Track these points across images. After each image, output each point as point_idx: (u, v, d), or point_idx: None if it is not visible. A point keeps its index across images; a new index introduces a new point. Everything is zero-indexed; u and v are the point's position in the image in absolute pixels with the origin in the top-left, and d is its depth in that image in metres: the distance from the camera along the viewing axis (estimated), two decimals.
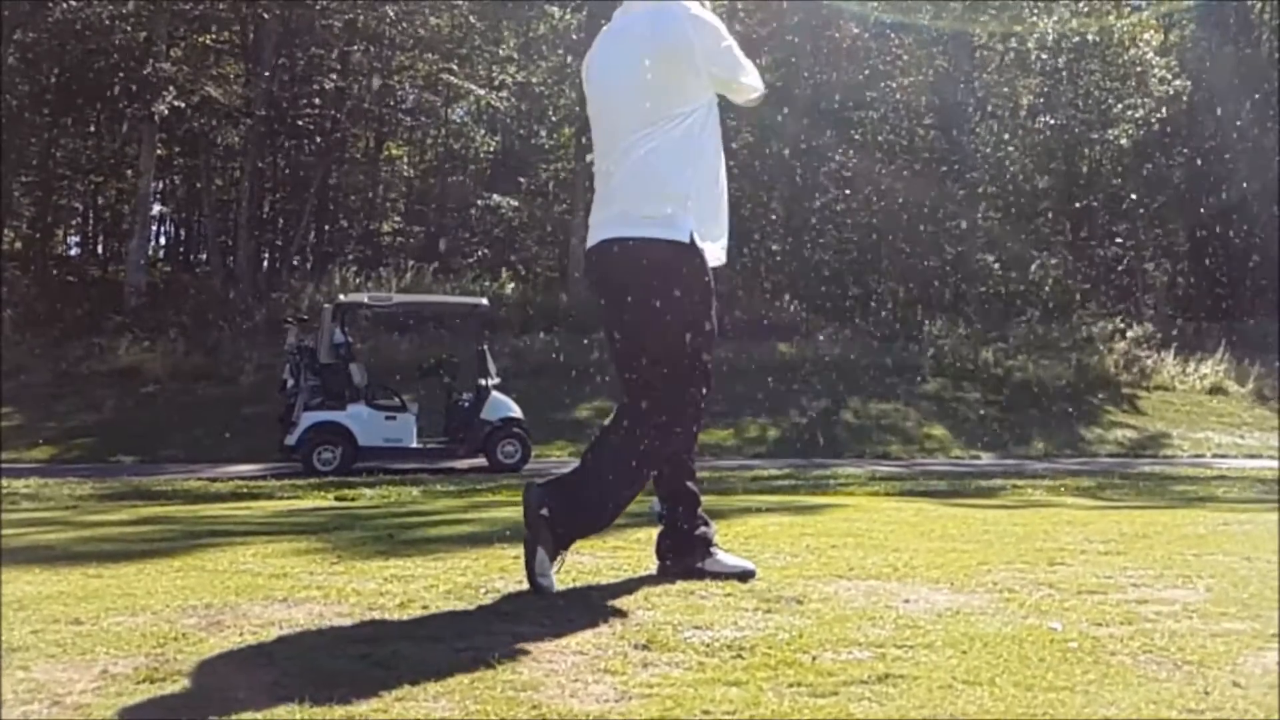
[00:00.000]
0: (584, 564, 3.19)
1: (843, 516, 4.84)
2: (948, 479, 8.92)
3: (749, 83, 2.80)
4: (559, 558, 2.71)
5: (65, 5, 18.09)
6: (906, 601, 2.60)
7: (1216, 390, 20.07)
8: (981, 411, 17.75)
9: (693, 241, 2.65)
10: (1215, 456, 16.05)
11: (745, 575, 2.88)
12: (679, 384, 2.69)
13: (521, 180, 24.24)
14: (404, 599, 2.64)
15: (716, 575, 2.85)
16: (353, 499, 7.11)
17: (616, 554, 3.40)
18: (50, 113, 23.79)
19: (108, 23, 18.76)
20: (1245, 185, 24.63)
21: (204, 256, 26.34)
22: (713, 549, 2.94)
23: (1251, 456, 16.18)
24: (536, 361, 17.06)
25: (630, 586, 2.79)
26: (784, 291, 22.99)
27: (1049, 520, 4.79)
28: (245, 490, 8.00)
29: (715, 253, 2.77)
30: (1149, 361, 20.60)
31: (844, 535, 3.97)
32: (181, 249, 30.20)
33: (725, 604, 2.54)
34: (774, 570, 3.06)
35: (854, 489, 7.03)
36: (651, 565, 3.04)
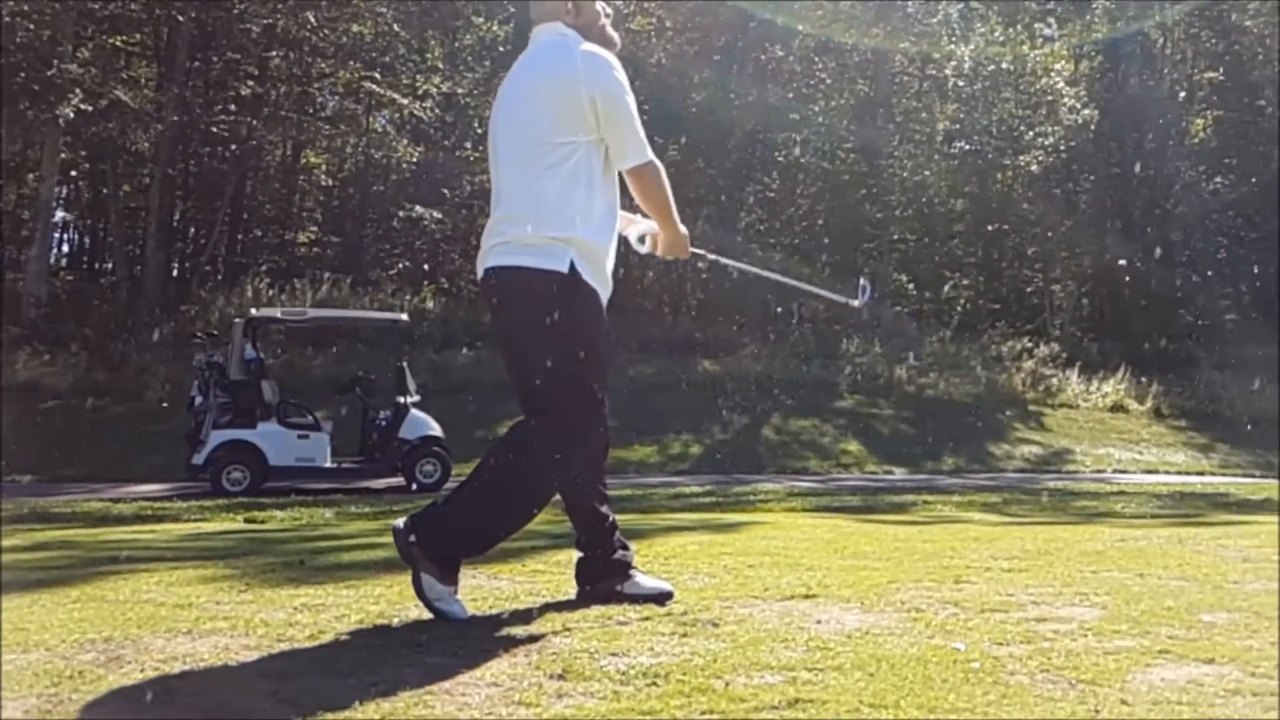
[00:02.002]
0: (502, 589, 3.18)
1: (760, 534, 4.92)
2: (862, 494, 9.12)
3: (633, 147, 2.74)
4: (453, 583, 2.69)
5: None
6: (818, 622, 2.65)
7: (1117, 408, 20.93)
8: (895, 427, 18.22)
9: (573, 271, 2.66)
10: (1115, 472, 16.75)
11: (663, 597, 2.91)
12: (560, 412, 2.70)
13: (445, 192, 23.98)
14: (314, 630, 2.58)
15: (635, 599, 2.87)
16: (263, 521, 6.93)
17: (535, 578, 3.39)
18: None
19: (9, 20, 17.97)
20: (1147, 211, 25.87)
21: (110, 266, 25.38)
22: (632, 572, 2.97)
23: (1149, 472, 16.96)
24: (459, 378, 16.86)
25: (548, 612, 2.79)
26: (710, 310, 23.27)
27: (956, 537, 4.94)
28: (150, 512, 7.71)
29: (606, 281, 2.81)
30: (1054, 380, 21.40)
31: (761, 554, 4.04)
32: (86, 258, 29.04)
33: (642, 629, 2.56)
34: (691, 592, 3.09)
35: (773, 505, 7.13)
36: (571, 589, 3.04)
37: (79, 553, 4.75)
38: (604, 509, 2.97)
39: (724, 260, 3.63)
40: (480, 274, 2.80)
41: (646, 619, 2.67)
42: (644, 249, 3.13)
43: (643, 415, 16.61)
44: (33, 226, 21.34)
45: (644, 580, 2.98)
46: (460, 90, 24.77)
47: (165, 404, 14.72)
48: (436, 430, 11.73)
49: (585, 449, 2.77)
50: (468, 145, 22.85)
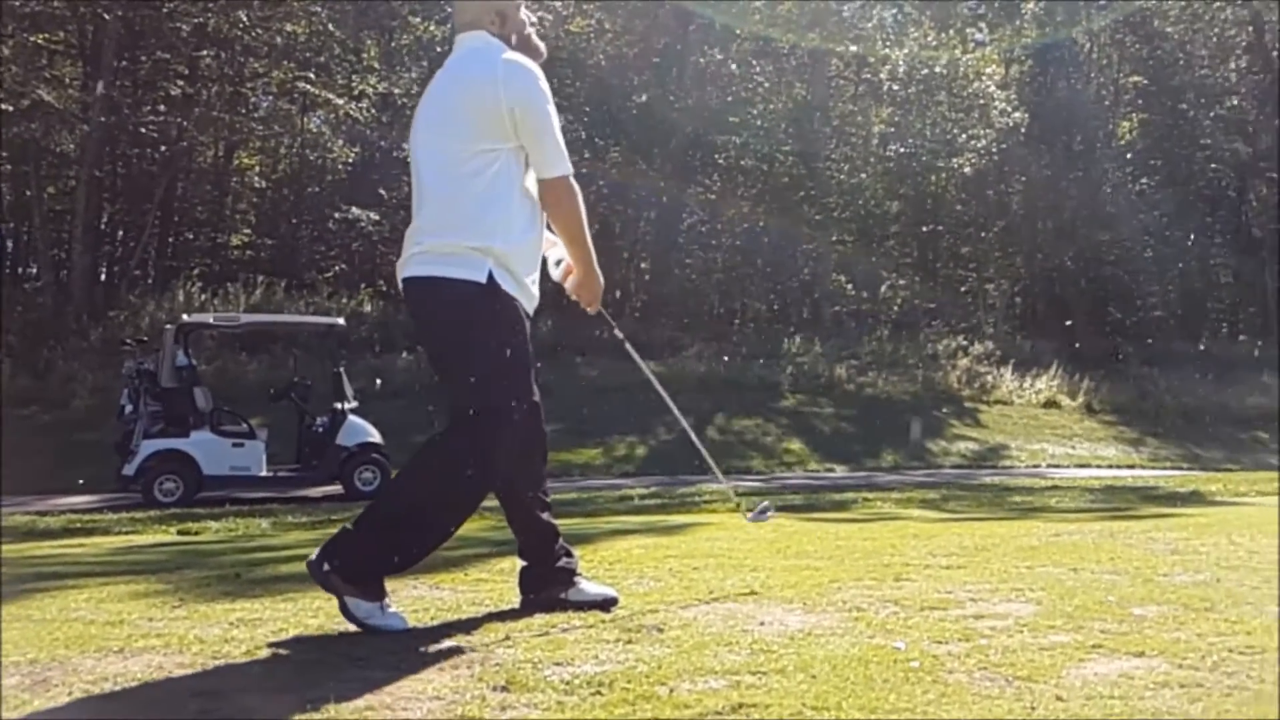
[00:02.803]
0: (444, 599, 3.14)
1: (705, 536, 4.94)
2: (804, 493, 9.22)
3: (550, 158, 2.70)
4: (379, 597, 2.65)
5: None
6: (761, 624, 2.67)
7: (1050, 404, 21.49)
8: (836, 426, 18.47)
9: (491, 281, 2.64)
10: (1050, 466, 17.18)
11: (608, 603, 2.91)
12: (472, 425, 2.66)
13: (382, 193, 23.65)
14: (251, 645, 2.52)
15: (580, 605, 2.86)
16: (197, 533, 6.77)
17: (478, 587, 3.36)
18: None
19: None
20: (1076, 211, 26.61)
21: (34, 270, 24.53)
22: (576, 578, 2.95)
23: (1082, 466, 17.44)
24: (398, 383, 16.63)
25: (491, 622, 2.76)
26: (654, 311, 23.31)
27: (896, 534, 5.02)
28: (79, 525, 7.48)
29: (528, 291, 2.77)
30: (989, 377, 21.90)
31: (705, 556, 4.06)
32: (8, 261, 28.03)
33: (587, 637, 2.55)
34: (636, 597, 3.09)
35: (717, 506, 7.16)
36: (515, 598, 3.01)
37: (5, 570, 4.58)
38: (545, 516, 2.95)
39: (635, 356, 3.63)
40: (400, 283, 2.77)
41: (590, 626, 2.66)
42: (556, 275, 3.04)
43: (587, 418, 16.60)
44: None
45: (588, 586, 2.97)
46: (397, 90, 24.47)
47: (91, 411, 14.31)
48: (375, 437, 11.56)
49: (499, 462, 2.70)
50: (405, 146, 22.44)
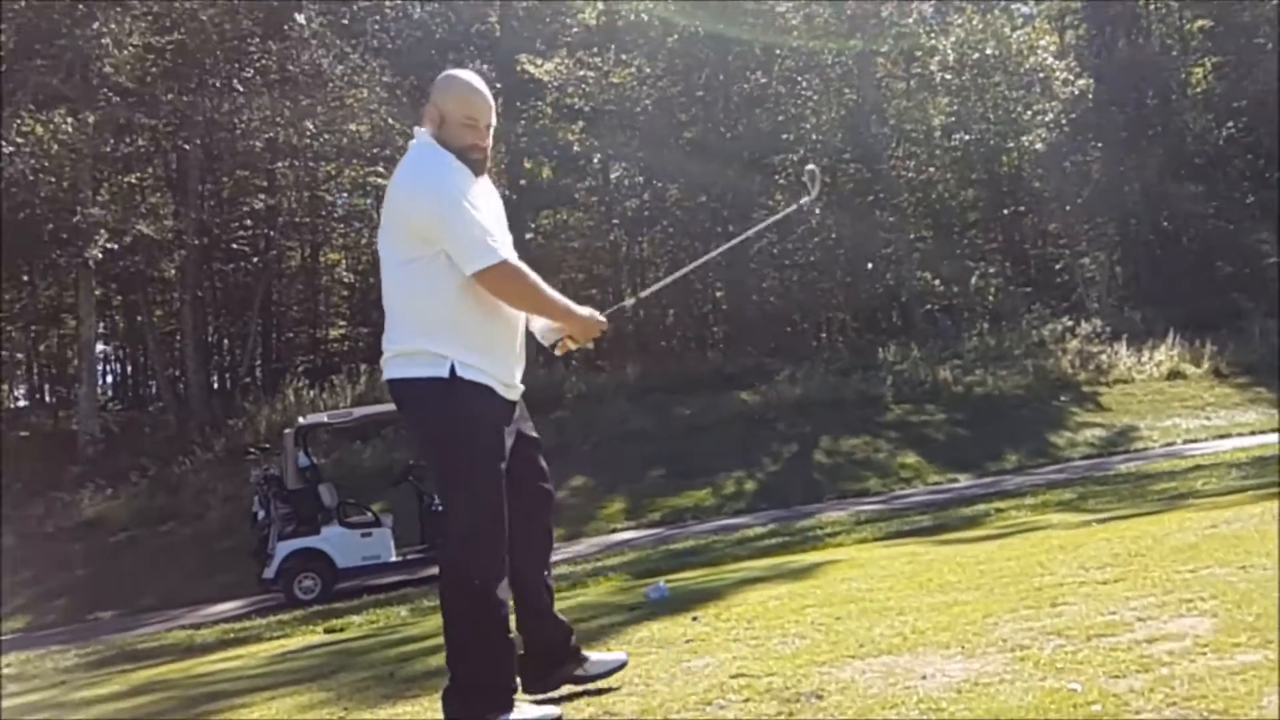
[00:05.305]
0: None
1: (839, 576, 4.85)
2: (930, 511, 8.93)
3: (469, 254, 2.65)
4: (508, 709, 2.64)
5: None
6: (923, 679, 2.59)
7: (1175, 375, 20.17)
8: (950, 432, 17.84)
9: (453, 374, 2.67)
10: (1186, 442, 16.05)
11: (620, 666, 2.94)
12: (460, 535, 2.71)
13: None
14: None
15: (598, 677, 2.89)
16: (342, 629, 6.97)
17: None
18: None
19: (32, 178, 18.66)
20: (1162, 168, 25.51)
21: (154, 390, 25.95)
22: (584, 654, 2.95)
23: (1221, 436, 16.13)
24: None
25: (643, 699, 2.75)
26: (737, 340, 23.20)
27: (1040, 548, 4.83)
28: (232, 635, 7.78)
29: (505, 370, 2.78)
30: (1103, 356, 20.77)
31: (846, 602, 3.97)
32: (129, 384, 29.74)
33: (746, 711, 2.52)
34: (785, 659, 3.04)
35: (842, 539, 7.03)
36: (663, 671, 3.00)
37: (176, 692, 4.80)
38: (545, 599, 2.94)
39: (651, 289, 3.56)
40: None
41: (746, 700, 2.63)
42: (550, 339, 2.96)
43: (687, 458, 16.49)
44: (79, 368, 21.90)
45: (599, 657, 2.97)
46: None
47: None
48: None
49: (497, 565, 2.69)
50: None
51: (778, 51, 24.82)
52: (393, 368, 2.76)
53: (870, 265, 23.70)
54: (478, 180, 2.79)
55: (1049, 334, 22.10)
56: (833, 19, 24.56)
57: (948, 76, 25.43)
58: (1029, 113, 24.89)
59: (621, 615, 4.50)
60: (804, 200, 3.63)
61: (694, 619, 3.98)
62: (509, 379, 2.80)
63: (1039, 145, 25.03)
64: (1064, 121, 25.67)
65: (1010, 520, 6.87)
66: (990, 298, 24.36)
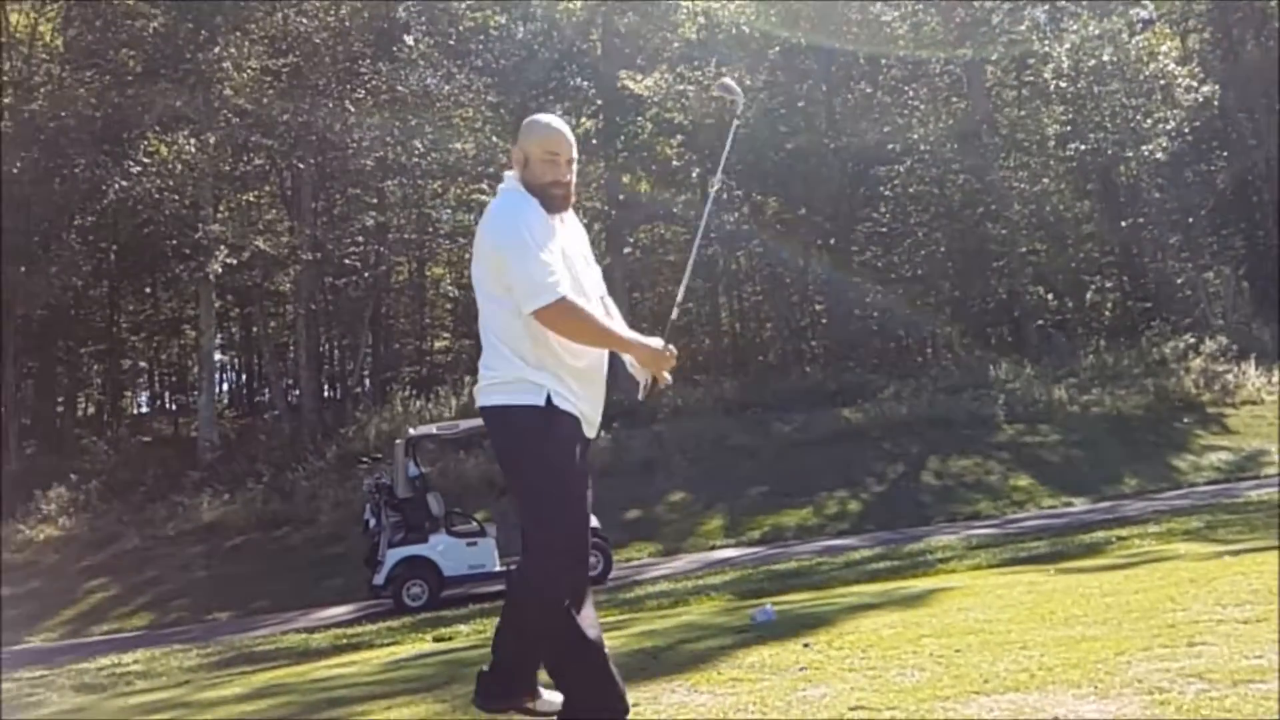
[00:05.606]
0: (705, 704, 3.12)
1: (955, 605, 4.71)
2: (1047, 537, 8.58)
3: (524, 294, 2.76)
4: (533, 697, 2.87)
5: (118, 186, 19.14)
6: None
7: None
8: (1064, 454, 17.08)
9: (549, 404, 2.79)
10: None
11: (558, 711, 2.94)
12: (541, 532, 2.81)
13: None
14: None
15: (545, 715, 2.94)
16: (450, 638, 7.10)
17: (736, 688, 3.29)
18: (111, 285, 24.97)
19: (157, 196, 19.76)
20: None
21: (268, 398, 27.10)
22: (539, 688, 2.98)
23: None
24: (600, 462, 17.01)
25: None
26: (838, 356, 22.83)
27: (1169, 581, 4.61)
28: (345, 641, 8.01)
29: (590, 403, 2.89)
30: (1230, 376, 19.60)
31: (965, 633, 3.86)
32: (245, 392, 31.15)
33: None
34: (905, 692, 2.97)
35: (954, 564, 6.82)
36: (776, 700, 2.96)
37: (295, 697, 4.95)
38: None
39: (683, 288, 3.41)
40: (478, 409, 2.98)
41: None
42: (645, 386, 3.00)
43: (788, 476, 16.24)
44: (199, 377, 23.05)
45: (548, 695, 2.99)
46: None
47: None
48: (593, 522, 11.79)
49: (564, 587, 2.82)
50: None
51: (883, 61, 24.46)
52: (490, 395, 2.87)
53: (980, 279, 23.02)
54: (558, 217, 2.92)
55: (1170, 352, 21.05)
56: (940, 27, 24.05)
57: (1062, 84, 24.58)
58: (1149, 121, 23.88)
59: (729, 638, 4.46)
60: (736, 109, 3.42)
61: (805, 645, 3.92)
62: (592, 416, 2.92)
63: (1159, 155, 23.98)
64: (1186, 130, 24.54)
65: (1134, 549, 6.56)
66: (1107, 313, 23.42)
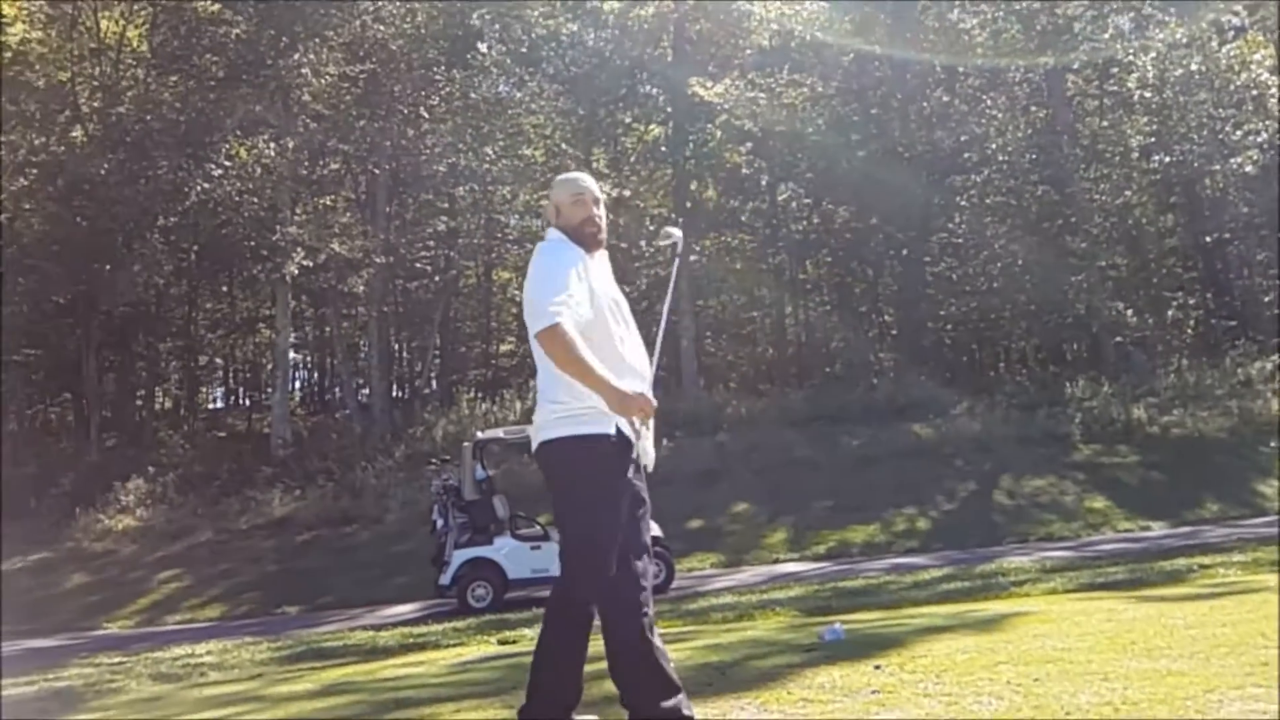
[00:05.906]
0: None
1: (1031, 631, 4.58)
2: (1125, 563, 8.30)
3: (532, 315, 2.95)
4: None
5: (199, 188, 19.77)
6: None
7: None
8: (1143, 476, 16.51)
9: (620, 434, 2.97)
10: None
11: None
12: (589, 553, 2.99)
13: (626, 289, 24.74)
14: None
15: None
16: (514, 642, 7.14)
17: (806, 708, 3.25)
18: (190, 284, 25.81)
19: (237, 199, 20.37)
20: None
21: (339, 397, 27.71)
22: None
23: None
24: (662, 470, 16.88)
25: None
26: (909, 370, 22.42)
27: (1258, 614, 4.43)
28: (411, 640, 8.12)
29: (642, 441, 3.02)
30: None
31: (1042, 661, 3.75)
32: (317, 391, 31.89)
33: None
34: None
35: (1029, 588, 6.64)
36: (843, 716, 2.91)
37: (364, 695, 5.02)
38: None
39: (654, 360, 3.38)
40: (535, 447, 3.11)
41: None
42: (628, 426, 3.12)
43: (854, 490, 15.98)
44: (273, 375, 23.63)
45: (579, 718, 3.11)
46: (626, 193, 25.66)
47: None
48: (656, 530, 11.80)
49: (588, 616, 3.06)
50: (641, 243, 23.45)
51: (960, 69, 24.03)
52: (558, 428, 3.01)
53: (1058, 294, 22.42)
54: (591, 256, 3.12)
55: (1256, 372, 20.21)
56: (1021, 34, 23.54)
57: (1147, 94, 23.85)
58: (1239, 132, 23.05)
59: (797, 656, 4.40)
60: (677, 249, 3.61)
61: (876, 667, 3.85)
62: (644, 456, 3.07)
63: (1249, 168, 23.13)
64: (1279, 142, 23.61)
65: (1218, 579, 6.31)
66: (1189, 331, 22.61)
